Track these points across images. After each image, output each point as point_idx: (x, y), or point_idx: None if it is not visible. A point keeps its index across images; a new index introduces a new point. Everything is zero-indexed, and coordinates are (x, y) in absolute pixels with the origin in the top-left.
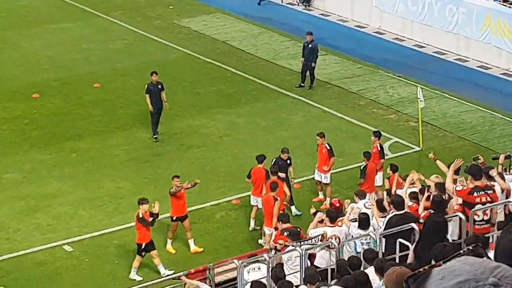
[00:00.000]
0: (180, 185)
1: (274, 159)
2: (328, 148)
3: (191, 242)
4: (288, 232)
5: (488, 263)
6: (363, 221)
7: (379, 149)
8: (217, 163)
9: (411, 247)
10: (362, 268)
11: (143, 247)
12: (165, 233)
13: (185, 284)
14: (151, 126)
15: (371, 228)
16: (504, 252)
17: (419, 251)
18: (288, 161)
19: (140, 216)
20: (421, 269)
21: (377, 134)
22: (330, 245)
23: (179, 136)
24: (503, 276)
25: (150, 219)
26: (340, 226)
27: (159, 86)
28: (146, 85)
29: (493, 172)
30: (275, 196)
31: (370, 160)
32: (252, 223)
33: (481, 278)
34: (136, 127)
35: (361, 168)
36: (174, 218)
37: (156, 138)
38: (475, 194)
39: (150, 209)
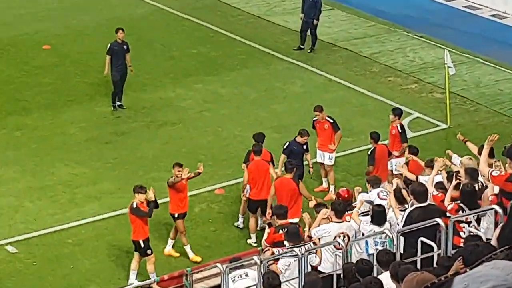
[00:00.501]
0: (181, 175)
1: (288, 143)
2: (331, 121)
3: (171, 242)
4: (286, 230)
5: None
6: (378, 215)
7: (399, 130)
8: (196, 143)
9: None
10: (375, 274)
11: (142, 245)
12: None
13: None
14: (111, 96)
15: (387, 224)
16: None
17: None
18: (305, 147)
19: (134, 206)
20: (442, 277)
21: (398, 112)
22: (337, 245)
23: (149, 110)
24: None
25: (147, 209)
26: (349, 221)
27: (125, 47)
28: (109, 44)
29: None
30: (293, 178)
31: (379, 142)
32: (240, 219)
33: None
34: (96, 99)
35: (369, 152)
36: (176, 215)
37: (114, 107)
38: None
39: (147, 197)
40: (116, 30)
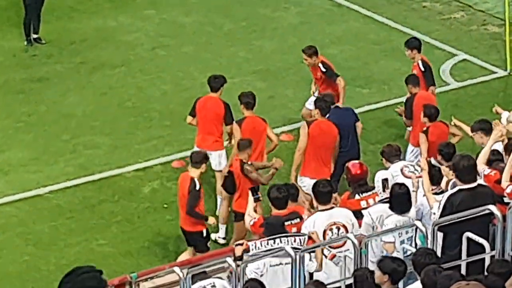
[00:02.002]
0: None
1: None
2: (323, 70)
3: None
4: (265, 222)
5: None
6: (399, 198)
7: (422, 69)
8: (147, 95)
9: None
10: (400, 285)
11: (204, 235)
12: None
13: None
14: (23, 26)
15: (412, 212)
16: None
17: None
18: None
19: (197, 187)
20: None
21: (414, 44)
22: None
23: (79, 47)
24: None
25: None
26: (366, 207)
27: None
28: None
29: None
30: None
31: (419, 88)
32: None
33: None
34: (2, 30)
35: (405, 101)
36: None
37: (29, 42)
38: None
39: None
40: None
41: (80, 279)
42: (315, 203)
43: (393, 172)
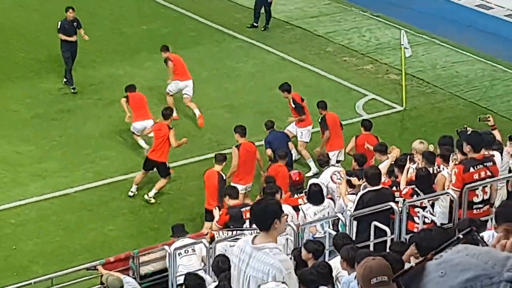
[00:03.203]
0: None
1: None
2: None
3: None
4: (228, 214)
5: (496, 254)
6: (314, 194)
7: (293, 105)
8: None
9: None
10: (326, 258)
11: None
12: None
13: (101, 276)
14: (68, 75)
15: (326, 202)
16: None
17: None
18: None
19: (224, 178)
20: (406, 267)
21: (285, 88)
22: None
23: (97, 87)
24: None
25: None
26: (301, 204)
27: (75, 24)
28: (59, 23)
29: None
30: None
31: (327, 110)
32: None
33: (493, 273)
34: (42, 75)
35: (319, 120)
36: None
37: (74, 89)
38: (472, 169)
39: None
40: (66, 9)
41: (269, 203)
42: None
43: (324, 178)
